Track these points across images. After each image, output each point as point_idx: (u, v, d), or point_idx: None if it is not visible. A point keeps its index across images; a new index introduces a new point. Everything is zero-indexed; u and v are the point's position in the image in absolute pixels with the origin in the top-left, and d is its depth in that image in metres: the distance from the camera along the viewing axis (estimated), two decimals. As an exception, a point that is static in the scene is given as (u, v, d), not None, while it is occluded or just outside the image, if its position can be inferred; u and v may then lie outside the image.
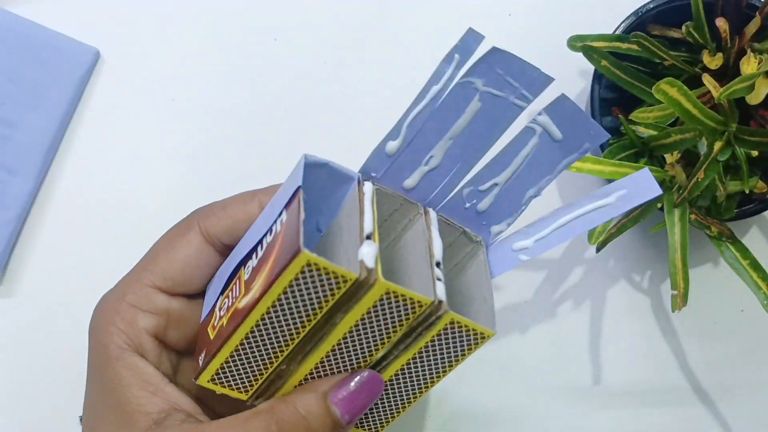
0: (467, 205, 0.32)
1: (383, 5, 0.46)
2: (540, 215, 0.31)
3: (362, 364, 0.31)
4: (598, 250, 0.37)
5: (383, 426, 0.34)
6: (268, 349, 0.30)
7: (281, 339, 0.29)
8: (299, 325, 0.29)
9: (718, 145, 0.35)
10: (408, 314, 0.29)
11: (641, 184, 0.29)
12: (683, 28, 0.38)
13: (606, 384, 0.43)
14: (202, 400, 0.33)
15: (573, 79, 0.45)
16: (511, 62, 0.28)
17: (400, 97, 0.45)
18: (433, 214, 0.32)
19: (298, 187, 0.28)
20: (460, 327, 0.29)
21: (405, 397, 0.33)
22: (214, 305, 0.32)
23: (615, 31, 0.40)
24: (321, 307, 0.28)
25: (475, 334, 0.30)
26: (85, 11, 0.46)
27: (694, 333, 0.44)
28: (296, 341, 0.29)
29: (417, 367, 0.31)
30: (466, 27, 0.47)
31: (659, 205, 0.37)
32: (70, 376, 0.43)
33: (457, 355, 0.31)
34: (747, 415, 0.43)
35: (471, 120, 0.30)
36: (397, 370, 0.31)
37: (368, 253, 0.28)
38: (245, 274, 0.30)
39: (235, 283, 0.31)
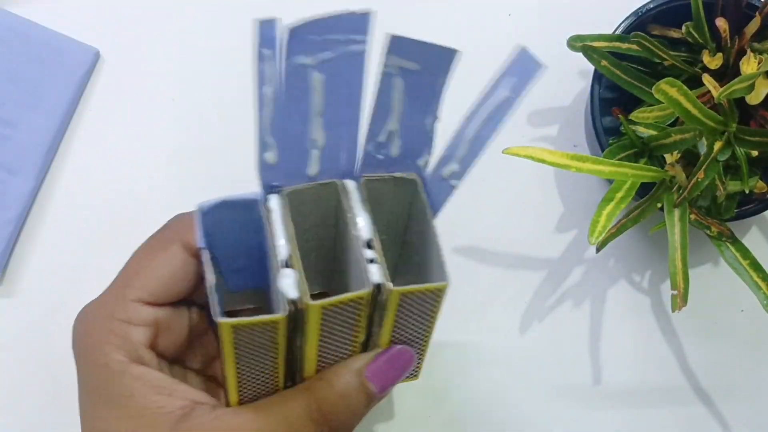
0: (380, 157, 0.31)
1: (383, 5, 0.46)
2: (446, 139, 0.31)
3: (354, 348, 0.32)
4: (598, 250, 0.37)
5: (416, 372, 0.36)
6: (264, 377, 0.32)
7: (267, 367, 0.31)
8: (270, 358, 0.30)
9: (718, 145, 0.35)
10: (357, 310, 0.29)
11: (525, 65, 0.29)
12: (683, 28, 0.38)
13: (606, 384, 0.43)
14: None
15: (573, 79, 0.45)
16: (318, 25, 0.27)
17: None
18: (350, 183, 0.31)
19: (200, 249, 0.30)
20: (413, 294, 0.30)
21: (414, 352, 0.34)
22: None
23: (615, 31, 0.40)
24: (275, 343, 0.29)
25: (431, 292, 0.30)
26: (85, 11, 0.46)
27: (694, 333, 0.44)
28: (280, 364, 0.31)
29: (403, 331, 0.32)
30: (466, 27, 0.47)
31: (659, 205, 0.37)
32: (70, 376, 0.43)
33: (429, 311, 0.31)
34: (747, 415, 0.43)
35: (325, 90, 0.29)
36: (389, 339, 0.32)
37: (286, 284, 0.28)
38: None
39: None
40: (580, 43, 0.39)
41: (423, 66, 0.29)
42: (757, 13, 0.37)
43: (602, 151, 0.38)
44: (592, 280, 0.44)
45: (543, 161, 0.35)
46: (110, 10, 0.46)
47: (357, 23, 0.28)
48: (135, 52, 0.46)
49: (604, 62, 0.38)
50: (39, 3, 0.46)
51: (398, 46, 0.28)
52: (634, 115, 0.38)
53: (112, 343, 0.32)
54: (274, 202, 0.30)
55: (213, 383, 0.36)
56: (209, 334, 0.36)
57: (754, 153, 0.37)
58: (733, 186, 0.37)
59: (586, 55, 0.38)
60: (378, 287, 0.29)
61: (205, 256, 0.30)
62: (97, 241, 0.44)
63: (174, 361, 0.34)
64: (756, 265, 0.38)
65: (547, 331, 0.44)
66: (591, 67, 0.39)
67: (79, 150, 0.45)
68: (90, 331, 0.32)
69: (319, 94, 0.29)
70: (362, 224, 0.30)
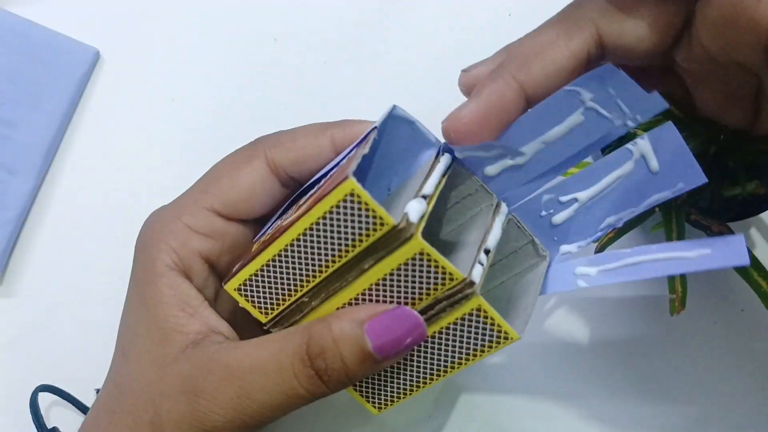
0: (543, 213, 0.30)
1: (383, 5, 0.46)
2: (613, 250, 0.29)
3: None
4: (598, 250, 0.37)
5: (389, 403, 0.33)
6: (296, 273, 0.30)
7: (310, 267, 0.29)
8: (330, 257, 0.28)
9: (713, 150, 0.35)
10: (437, 283, 0.28)
11: (730, 249, 0.26)
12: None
13: (606, 384, 0.43)
14: (236, 330, 0.33)
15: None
16: (625, 85, 0.26)
17: (400, 97, 0.45)
18: (504, 208, 0.30)
19: (374, 128, 0.28)
20: (486, 317, 0.28)
21: (417, 378, 0.31)
22: (268, 227, 0.33)
23: (615, 31, 0.40)
24: (354, 245, 0.28)
25: (500, 330, 0.28)
26: (85, 11, 0.46)
27: (694, 333, 0.44)
28: (323, 275, 0.29)
29: (436, 346, 0.30)
30: (466, 27, 0.47)
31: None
32: (71, 376, 0.43)
33: (477, 348, 0.29)
34: (747, 415, 0.43)
35: (569, 131, 0.28)
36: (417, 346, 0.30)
37: (415, 208, 0.27)
38: (305, 200, 0.30)
39: (293, 208, 0.31)
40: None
41: (663, 171, 0.27)
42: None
43: (602, 152, 0.38)
44: (592, 280, 0.44)
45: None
46: (110, 10, 0.46)
47: (650, 108, 0.26)
48: (135, 52, 0.46)
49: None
50: (39, 3, 0.46)
51: (664, 135, 0.27)
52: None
53: (167, 243, 0.32)
54: (445, 159, 0.30)
55: (247, 315, 0.35)
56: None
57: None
58: (730, 191, 0.37)
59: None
60: (471, 284, 0.28)
61: (374, 134, 0.28)
62: (97, 241, 0.44)
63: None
64: (756, 265, 0.38)
65: (547, 331, 0.44)
66: (591, 68, 0.39)
67: (79, 150, 0.45)
68: (153, 226, 0.33)
69: (563, 129, 0.28)
70: (494, 236, 0.29)
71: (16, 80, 0.44)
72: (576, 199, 0.29)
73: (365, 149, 0.27)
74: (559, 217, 0.30)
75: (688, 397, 0.43)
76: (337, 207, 0.27)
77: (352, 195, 0.26)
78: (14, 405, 0.43)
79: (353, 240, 0.27)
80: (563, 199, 0.30)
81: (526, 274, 0.32)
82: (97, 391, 0.37)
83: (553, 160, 0.29)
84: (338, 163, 0.30)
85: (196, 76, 0.46)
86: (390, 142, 0.30)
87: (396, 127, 0.29)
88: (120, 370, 0.32)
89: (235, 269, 0.31)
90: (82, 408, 0.41)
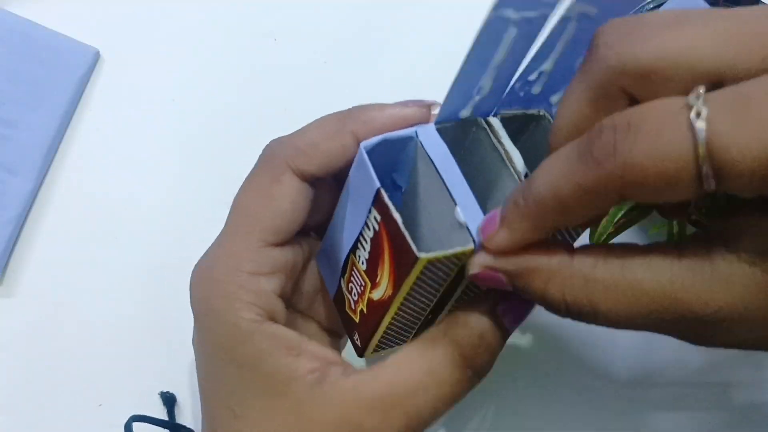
0: (521, 94, 0.31)
1: (383, 5, 0.46)
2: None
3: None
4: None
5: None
6: (409, 321, 0.32)
7: (420, 311, 0.31)
8: (432, 297, 0.30)
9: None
10: None
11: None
12: (683, 28, 0.38)
13: (606, 384, 0.43)
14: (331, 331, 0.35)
15: (573, 79, 0.45)
16: None
17: (400, 97, 0.45)
18: (495, 122, 0.31)
19: (378, 189, 0.28)
20: None
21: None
22: (340, 285, 0.33)
23: (615, 31, 0.40)
24: (442, 282, 0.30)
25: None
26: (85, 11, 0.46)
27: (694, 333, 0.44)
28: (431, 305, 0.31)
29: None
30: (466, 26, 0.47)
31: (659, 206, 0.37)
32: (71, 376, 0.43)
33: None
34: (747, 415, 0.43)
35: (510, 45, 0.28)
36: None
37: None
38: (360, 263, 0.31)
39: (353, 271, 0.31)
40: (580, 44, 0.39)
41: (602, 12, 0.28)
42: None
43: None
44: (592, 280, 0.44)
45: (543, 161, 0.35)
46: (110, 10, 0.46)
47: None
48: (135, 52, 0.46)
49: (604, 62, 0.38)
50: (39, 3, 0.46)
51: None
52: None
53: (242, 299, 0.30)
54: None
55: (313, 323, 0.35)
56: (312, 272, 0.35)
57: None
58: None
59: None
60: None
61: (385, 197, 0.28)
62: (97, 241, 0.44)
63: (290, 302, 0.33)
64: (756, 266, 0.38)
65: (547, 331, 0.44)
66: (591, 68, 0.39)
67: (79, 150, 0.45)
68: (214, 289, 0.31)
69: (505, 48, 0.28)
70: (517, 157, 0.30)
71: (16, 80, 0.44)
72: (542, 72, 0.30)
73: (397, 217, 0.28)
74: (535, 89, 0.31)
75: (689, 397, 0.43)
76: (421, 275, 0.28)
77: (430, 263, 0.27)
78: (14, 405, 0.43)
79: (445, 278, 0.29)
80: (531, 78, 0.30)
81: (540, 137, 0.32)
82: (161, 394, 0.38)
83: (510, 71, 0.29)
84: (365, 219, 0.30)
85: (196, 76, 0.46)
86: (380, 160, 0.30)
87: (373, 153, 0.30)
88: (234, 430, 0.31)
89: (360, 343, 0.32)
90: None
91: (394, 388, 0.29)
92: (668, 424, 0.43)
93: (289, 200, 0.31)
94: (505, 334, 0.30)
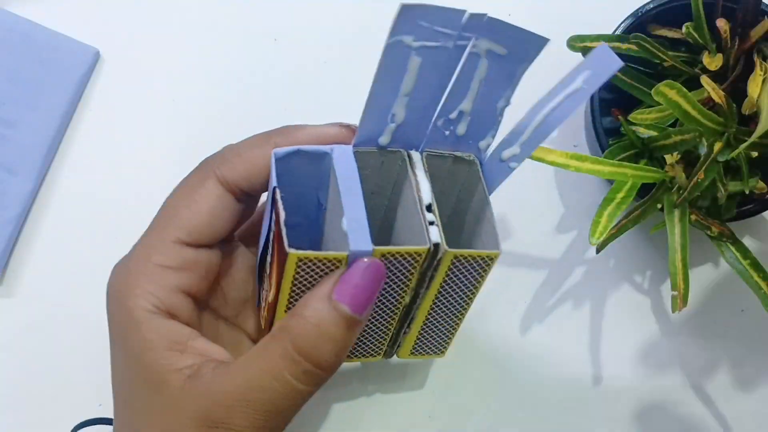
0: (447, 133, 0.32)
1: (383, 5, 0.46)
2: (515, 122, 0.31)
3: (396, 310, 0.33)
4: (598, 250, 0.37)
5: (443, 348, 0.37)
6: None
7: None
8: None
9: (717, 146, 0.35)
10: (413, 264, 0.30)
11: (603, 60, 0.29)
12: (683, 28, 0.38)
13: (606, 384, 0.43)
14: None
15: (573, 79, 0.45)
16: (431, 13, 0.27)
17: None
18: (416, 155, 0.32)
19: (274, 188, 0.30)
20: (465, 258, 0.31)
21: (448, 326, 0.35)
22: (259, 292, 0.35)
23: (615, 31, 0.40)
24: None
25: (482, 258, 0.31)
26: (85, 11, 0.46)
27: (694, 333, 0.44)
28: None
29: (445, 299, 0.33)
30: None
31: (659, 206, 0.37)
32: (70, 376, 0.43)
33: (475, 280, 0.33)
34: (747, 415, 0.43)
35: (418, 74, 0.29)
36: (430, 306, 0.33)
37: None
38: (267, 267, 0.32)
39: (263, 275, 0.33)
40: (580, 44, 0.39)
41: (510, 51, 0.30)
42: (766, 17, 0.37)
43: (602, 151, 0.38)
44: (593, 280, 0.44)
45: (543, 160, 0.35)
46: (110, 10, 0.46)
47: (472, 23, 0.28)
48: (135, 52, 0.46)
49: (604, 63, 0.38)
50: (39, 3, 0.46)
51: (493, 28, 0.29)
52: (634, 116, 0.38)
53: (143, 287, 0.31)
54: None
55: (241, 333, 0.36)
56: (241, 281, 0.35)
57: (754, 154, 0.37)
58: (733, 186, 0.37)
59: (585, 55, 0.38)
60: (436, 246, 0.30)
61: (278, 194, 0.29)
62: (97, 241, 0.44)
63: (205, 303, 0.34)
64: (756, 265, 0.38)
65: (547, 331, 0.44)
66: (591, 68, 0.39)
67: (79, 150, 0.45)
68: (123, 275, 0.32)
69: (412, 77, 0.29)
70: (425, 188, 0.31)
71: (16, 80, 0.44)
72: (462, 111, 0.31)
73: (282, 214, 0.29)
74: (460, 129, 0.32)
75: (688, 397, 0.43)
76: (297, 273, 0.29)
77: (301, 260, 0.28)
78: (14, 405, 0.43)
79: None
80: (452, 116, 0.31)
81: (473, 186, 0.34)
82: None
83: (425, 100, 0.30)
84: (270, 222, 0.31)
85: (196, 76, 0.46)
86: (294, 171, 0.31)
87: (289, 161, 0.31)
88: (128, 421, 0.31)
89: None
90: None
91: (239, 385, 0.29)
92: (668, 424, 0.43)
93: (208, 204, 0.32)
94: (348, 318, 0.29)
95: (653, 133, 0.38)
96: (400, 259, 0.30)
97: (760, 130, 0.33)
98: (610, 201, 0.36)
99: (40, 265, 0.44)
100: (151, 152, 0.45)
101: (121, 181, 0.45)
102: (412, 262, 0.30)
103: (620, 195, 0.37)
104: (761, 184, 0.38)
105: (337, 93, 0.46)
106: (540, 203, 0.45)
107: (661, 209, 0.37)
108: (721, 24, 0.37)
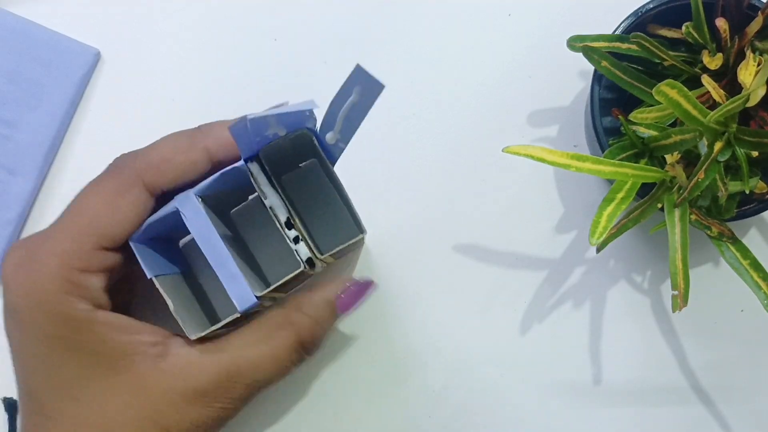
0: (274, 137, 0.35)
1: (383, 5, 0.46)
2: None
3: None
4: (598, 250, 0.37)
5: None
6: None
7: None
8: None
9: (718, 146, 0.35)
10: (294, 284, 0.35)
11: (364, 83, 0.32)
12: (683, 28, 0.38)
13: (606, 384, 0.43)
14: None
15: (573, 79, 0.45)
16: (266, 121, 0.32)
17: (399, 97, 0.45)
18: (254, 166, 0.33)
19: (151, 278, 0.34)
20: (340, 251, 0.35)
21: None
22: None
23: (615, 31, 0.40)
24: None
25: (353, 245, 0.36)
26: (85, 11, 0.46)
27: (694, 333, 0.44)
28: None
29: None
30: (466, 27, 0.47)
31: (659, 206, 0.37)
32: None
33: (351, 255, 0.39)
34: (747, 415, 0.43)
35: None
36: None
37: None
38: None
39: None
40: (580, 44, 0.39)
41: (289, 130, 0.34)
42: (759, 12, 0.37)
43: (602, 151, 0.38)
44: (593, 280, 0.44)
45: (543, 160, 0.35)
46: (110, 10, 0.46)
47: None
48: (135, 52, 0.46)
49: (604, 63, 0.38)
50: (39, 3, 0.46)
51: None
52: (634, 116, 0.38)
53: (74, 293, 0.32)
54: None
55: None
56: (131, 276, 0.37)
57: (755, 153, 0.37)
58: (734, 186, 0.37)
59: (586, 55, 0.38)
60: (309, 260, 0.33)
61: (160, 288, 0.33)
62: (97, 241, 0.44)
63: (114, 297, 0.35)
64: (756, 265, 0.38)
65: (547, 331, 0.44)
66: (591, 68, 0.39)
67: (79, 150, 0.45)
68: (45, 282, 0.32)
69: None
70: (277, 203, 0.33)
71: (16, 80, 0.44)
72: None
73: (171, 306, 0.33)
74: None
75: (688, 397, 0.43)
76: None
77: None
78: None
79: None
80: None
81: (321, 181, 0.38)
82: (4, 399, 0.39)
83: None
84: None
85: (196, 76, 0.46)
86: (157, 244, 0.35)
87: (148, 244, 0.34)
88: (75, 415, 0.32)
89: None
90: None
91: (239, 363, 0.33)
92: (668, 424, 0.43)
93: (135, 213, 0.33)
94: (336, 319, 0.36)
95: (653, 133, 0.37)
96: (284, 286, 0.34)
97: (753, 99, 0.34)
98: (610, 201, 0.36)
99: (40, 265, 0.44)
100: (151, 152, 0.45)
101: (121, 181, 0.45)
102: (294, 282, 0.34)
103: (620, 195, 0.36)
104: (761, 184, 0.38)
105: (337, 93, 0.46)
106: (540, 203, 0.45)
107: (661, 209, 0.37)
108: (721, 23, 0.37)
